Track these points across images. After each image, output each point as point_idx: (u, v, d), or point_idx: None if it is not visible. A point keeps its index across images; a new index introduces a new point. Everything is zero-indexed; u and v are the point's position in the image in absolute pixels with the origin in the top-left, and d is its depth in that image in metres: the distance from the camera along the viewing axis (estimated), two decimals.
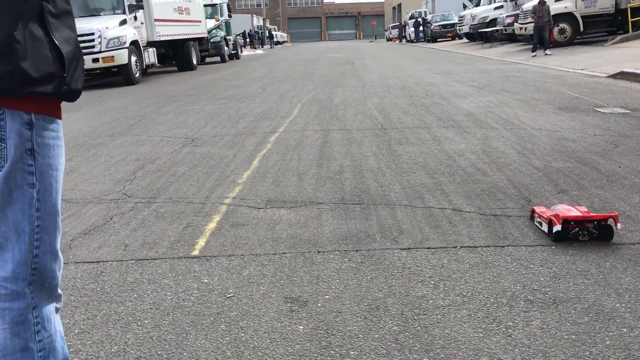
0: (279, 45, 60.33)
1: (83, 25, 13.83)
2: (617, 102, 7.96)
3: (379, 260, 2.96)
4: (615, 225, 3.07)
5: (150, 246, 3.30)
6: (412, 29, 42.45)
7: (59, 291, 1.60)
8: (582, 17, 18.03)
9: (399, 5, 71.39)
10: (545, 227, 3.22)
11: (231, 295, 2.64)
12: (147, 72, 18.61)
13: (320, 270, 2.87)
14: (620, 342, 2.12)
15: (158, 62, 18.49)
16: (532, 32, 18.61)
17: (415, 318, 2.36)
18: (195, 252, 3.18)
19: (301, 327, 2.33)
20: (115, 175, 5.08)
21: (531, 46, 19.34)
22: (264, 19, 58.58)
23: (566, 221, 3.08)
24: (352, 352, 2.13)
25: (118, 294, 2.69)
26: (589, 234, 3.09)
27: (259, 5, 76.64)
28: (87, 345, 2.24)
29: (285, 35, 77.10)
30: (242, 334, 2.29)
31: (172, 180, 4.82)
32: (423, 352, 2.11)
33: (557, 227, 3.06)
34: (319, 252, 3.11)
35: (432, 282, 2.68)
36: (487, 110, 7.80)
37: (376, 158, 5.28)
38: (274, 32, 60.67)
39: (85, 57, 14.90)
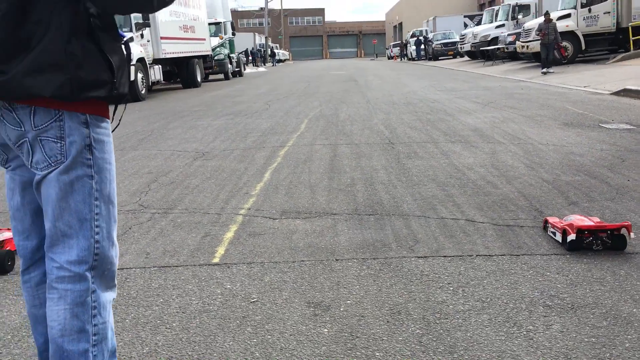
0: (280, 63, 60.79)
1: None
2: (621, 118, 8.06)
3: (397, 268, 3.02)
4: (629, 234, 3.13)
5: (171, 254, 3.36)
6: (414, 47, 42.83)
7: (115, 281, 1.68)
8: (583, 35, 18.27)
9: (400, 24, 72.10)
10: (559, 237, 3.28)
11: (255, 300, 2.69)
12: (152, 89, 18.78)
13: (340, 277, 2.92)
14: (639, 344, 2.17)
15: (163, 79, 18.68)
16: (534, 50, 18.82)
17: (437, 322, 2.41)
18: (216, 260, 3.24)
19: (326, 330, 2.38)
20: (130, 187, 5.15)
21: (536, 64, 19.54)
22: (266, 37, 59.11)
23: (580, 230, 3.14)
24: (377, 354, 2.18)
25: (144, 298, 2.75)
26: (603, 243, 3.15)
27: (261, 24, 77.41)
28: (119, 346, 2.29)
29: (287, 53, 77.72)
30: (269, 337, 2.34)
31: (186, 192, 4.89)
32: (447, 354, 2.16)
33: (572, 236, 3.12)
34: (337, 260, 3.17)
35: (451, 289, 2.73)
36: (493, 125, 7.89)
37: (386, 171, 5.35)
38: (276, 50, 61.17)
39: None
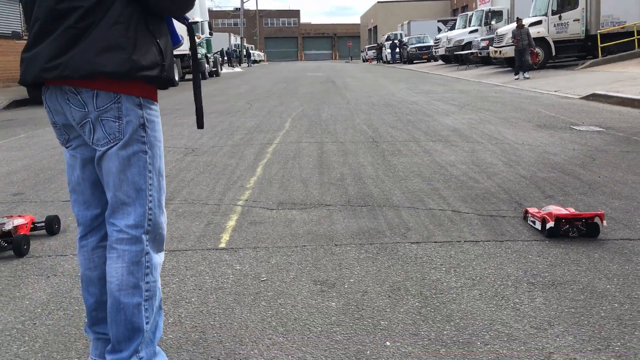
0: (256, 64, 60.82)
1: None
2: (591, 121, 8.48)
3: (392, 252, 3.27)
4: (601, 222, 3.43)
5: (178, 240, 3.55)
6: (389, 51, 43.37)
7: (164, 246, 1.91)
8: (554, 42, 18.87)
9: (375, 27, 72.79)
10: (538, 225, 3.58)
11: (265, 279, 2.91)
12: None
13: (341, 259, 3.16)
14: (613, 313, 2.46)
15: None
16: (506, 55, 19.35)
17: (434, 296, 2.67)
18: (223, 245, 3.45)
19: (333, 303, 2.62)
20: None
21: (508, 69, 20.08)
22: (241, 38, 59.07)
23: (558, 219, 3.44)
24: (382, 322, 2.43)
25: (161, 278, 2.93)
26: (578, 230, 3.45)
27: (236, 24, 77.30)
28: None
29: (262, 54, 77.74)
30: (282, 309, 2.57)
31: (183, 184, 5.07)
32: (445, 322, 2.42)
33: (550, 224, 3.42)
34: (336, 245, 3.41)
35: (444, 269, 3.00)
36: (471, 126, 8.23)
37: (373, 167, 5.61)
38: (251, 51, 61.18)
39: None
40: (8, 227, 3.40)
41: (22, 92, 16.57)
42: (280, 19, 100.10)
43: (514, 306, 2.55)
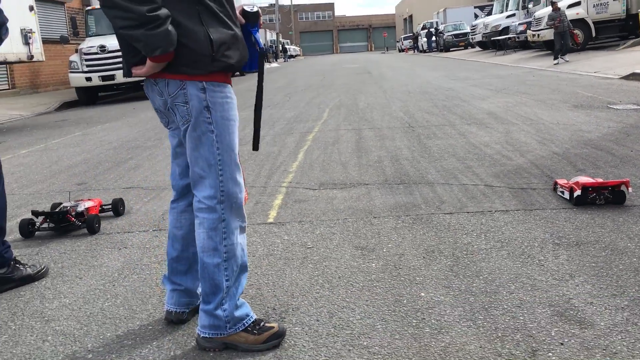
0: (292, 59, 61.32)
1: (113, 42, 14.62)
2: (629, 99, 8.48)
3: (427, 221, 3.53)
4: (627, 189, 3.61)
5: None
6: (425, 39, 43.14)
7: (244, 212, 2.18)
8: (594, 22, 18.55)
9: (410, 16, 72.26)
10: (567, 195, 3.78)
11: (310, 246, 3.22)
12: None
13: (380, 229, 3.45)
14: (631, 266, 2.67)
15: None
16: (545, 38, 19.12)
17: (465, 257, 2.93)
18: (271, 220, 3.78)
19: (373, 264, 2.91)
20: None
21: (547, 52, 19.83)
22: (277, 34, 59.64)
23: (585, 188, 3.63)
24: (417, 278, 2.70)
25: None
26: (605, 198, 3.64)
27: (271, 20, 77.92)
28: None
29: (297, 48, 78.25)
30: (328, 270, 2.87)
31: None
32: (474, 277, 2.68)
33: (578, 192, 3.62)
34: (375, 217, 3.70)
35: (475, 234, 3.25)
36: (507, 109, 8.35)
37: (409, 150, 5.86)
38: (287, 46, 61.71)
39: (116, 72, 15.50)
40: (80, 208, 3.82)
41: (71, 95, 17.37)
42: (315, 13, 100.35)
43: (539, 263, 2.79)
